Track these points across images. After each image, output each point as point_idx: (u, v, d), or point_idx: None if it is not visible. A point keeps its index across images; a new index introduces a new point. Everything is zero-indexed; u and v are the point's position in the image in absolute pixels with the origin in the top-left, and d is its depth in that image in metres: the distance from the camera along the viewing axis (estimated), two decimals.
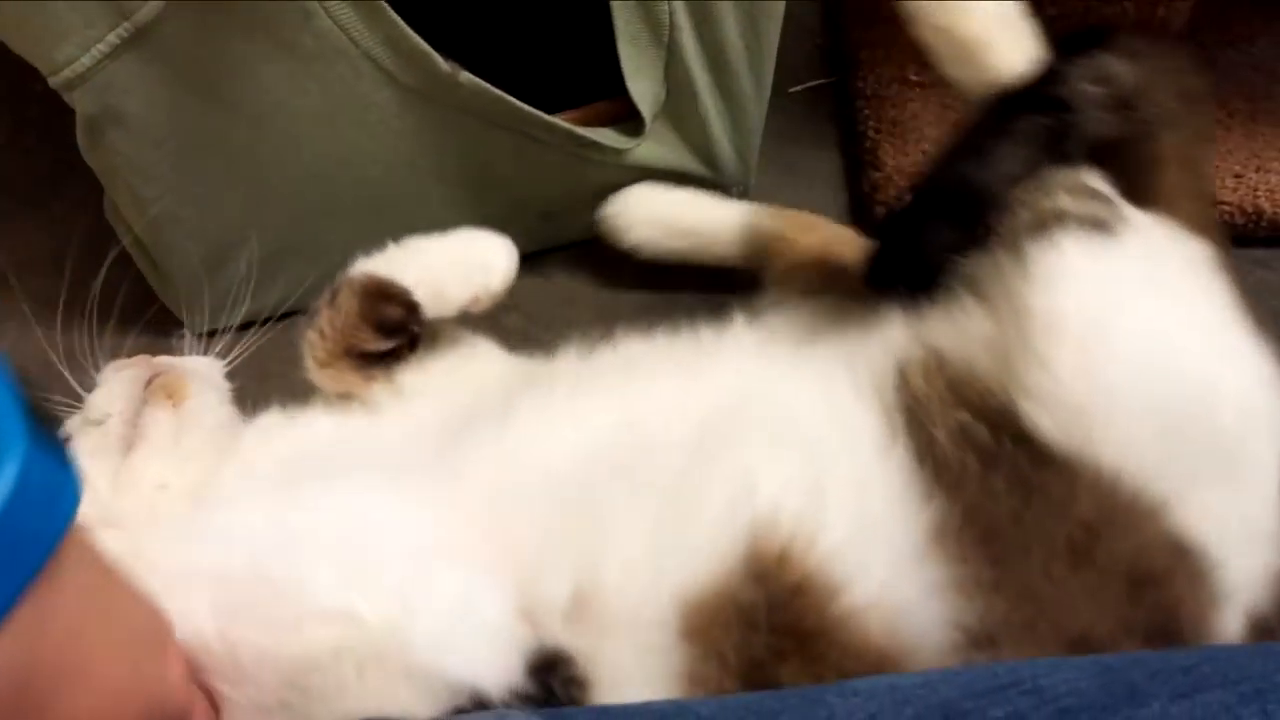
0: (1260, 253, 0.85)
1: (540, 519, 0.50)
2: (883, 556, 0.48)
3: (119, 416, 0.58)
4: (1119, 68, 0.60)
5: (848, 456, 0.51)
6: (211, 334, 0.85)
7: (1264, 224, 0.84)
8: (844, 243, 0.76)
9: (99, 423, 0.58)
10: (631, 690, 0.46)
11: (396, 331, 0.61)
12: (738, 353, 0.62)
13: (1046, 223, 0.55)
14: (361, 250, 0.64)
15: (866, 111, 0.94)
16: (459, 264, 0.64)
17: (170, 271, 0.82)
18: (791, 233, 0.77)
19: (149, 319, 0.87)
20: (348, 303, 0.61)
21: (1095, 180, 0.59)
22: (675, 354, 0.62)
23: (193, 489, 0.55)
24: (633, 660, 0.48)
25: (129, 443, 0.57)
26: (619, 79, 0.78)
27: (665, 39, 0.75)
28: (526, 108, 0.75)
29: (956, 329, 0.56)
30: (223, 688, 0.45)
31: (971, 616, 0.47)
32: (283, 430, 0.61)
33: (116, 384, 0.61)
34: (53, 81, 0.66)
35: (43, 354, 0.87)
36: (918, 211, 0.62)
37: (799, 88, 1.01)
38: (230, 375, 0.69)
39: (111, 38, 0.64)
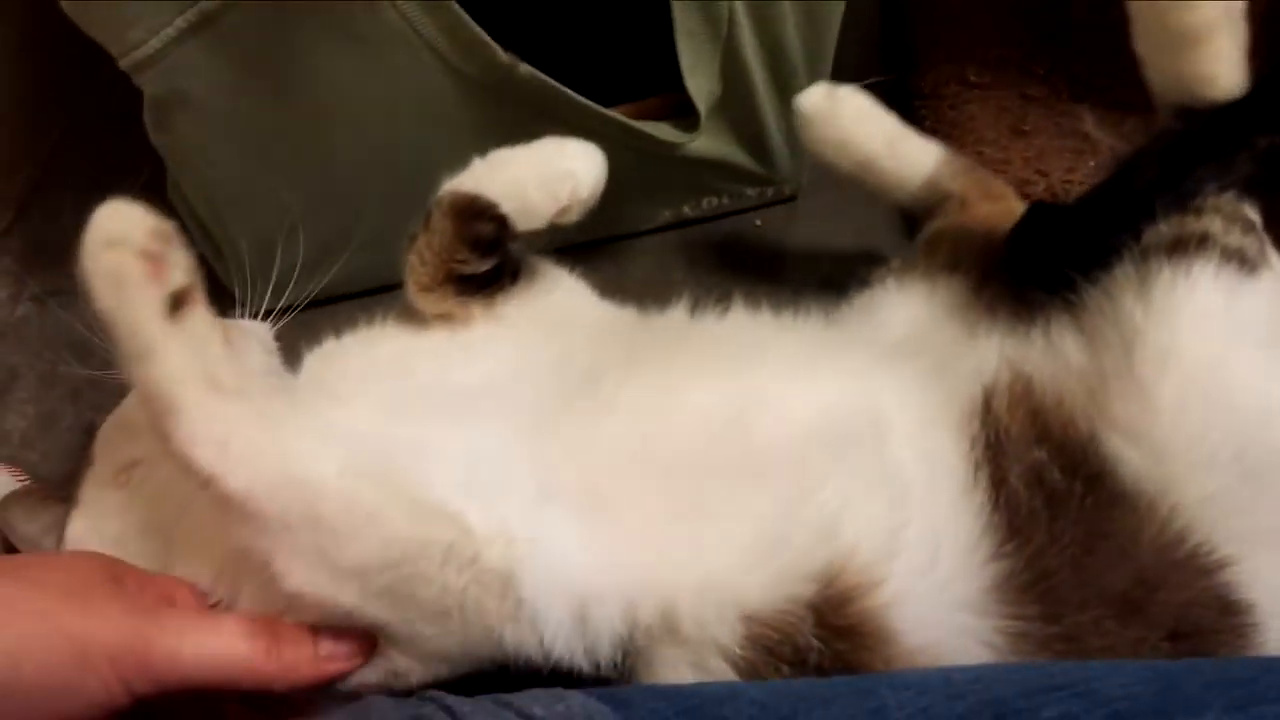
0: None
1: (640, 498, 0.50)
2: (943, 608, 0.47)
3: None
4: None
5: (930, 502, 0.50)
6: (267, 314, 0.88)
7: None
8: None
9: None
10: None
11: (492, 249, 0.61)
12: (849, 350, 0.60)
13: (1188, 245, 0.51)
14: (398, 232, 0.65)
15: (924, 111, 0.93)
16: (544, 173, 0.63)
17: (229, 252, 0.83)
18: (973, 197, 0.73)
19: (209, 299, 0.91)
20: (440, 223, 0.62)
21: (1252, 211, 0.54)
22: (786, 338, 0.61)
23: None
24: (685, 674, 0.48)
25: None
26: (674, 74, 0.78)
27: (723, 35, 0.75)
28: (583, 100, 0.75)
29: (1052, 352, 0.54)
30: (286, 557, 0.46)
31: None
32: (374, 345, 0.62)
33: None
34: (123, 63, 0.68)
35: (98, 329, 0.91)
36: (1095, 198, 0.59)
37: (859, 84, 1.01)
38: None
39: (180, 22, 0.65)
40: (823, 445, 0.51)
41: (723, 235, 0.92)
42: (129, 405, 0.63)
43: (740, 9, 0.74)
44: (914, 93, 0.95)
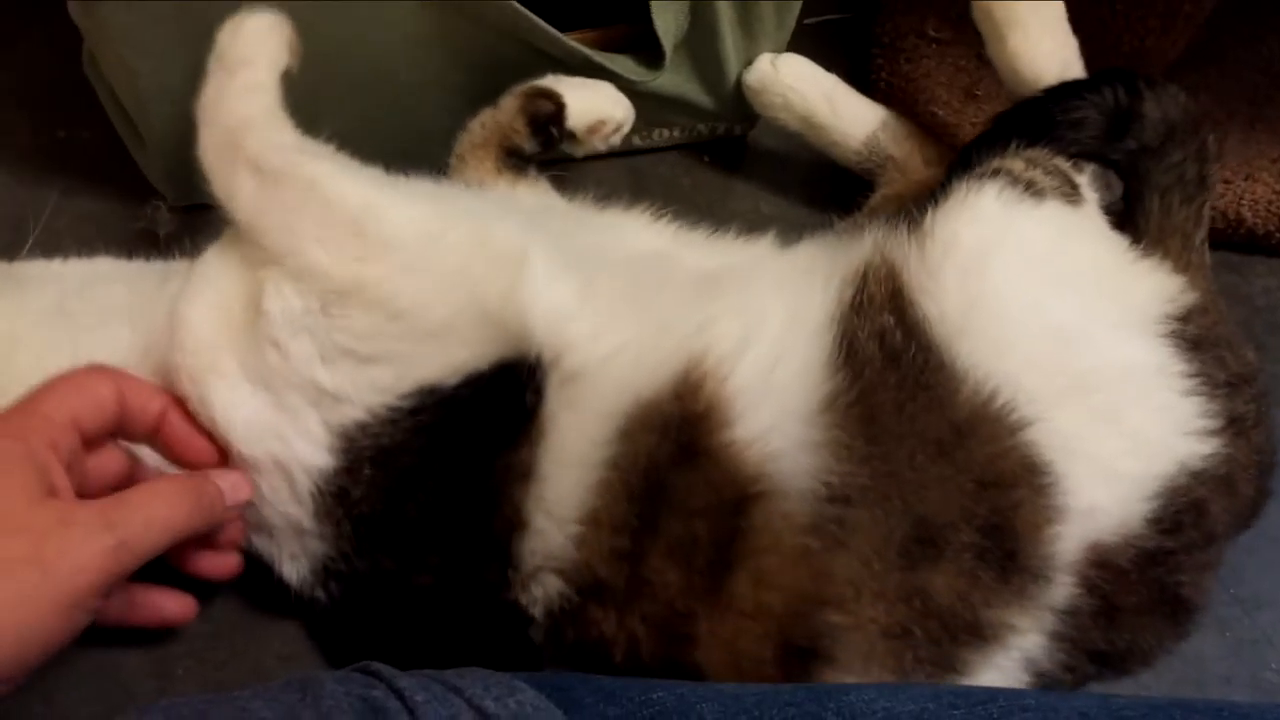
0: (1235, 258, 0.89)
1: (608, 279, 0.62)
2: (775, 407, 0.57)
3: None
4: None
5: (782, 329, 0.60)
6: (191, 208, 0.83)
7: (1243, 232, 0.86)
8: None
9: None
10: (564, 456, 0.57)
11: (544, 129, 0.74)
12: (762, 247, 0.72)
13: (986, 173, 0.63)
14: (352, 139, 0.63)
15: (880, 61, 0.92)
16: (599, 91, 0.77)
17: (154, 140, 0.78)
18: (912, 164, 0.81)
19: (124, 181, 0.85)
20: (508, 103, 0.74)
21: (1063, 163, 0.67)
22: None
23: None
24: (575, 422, 0.57)
25: None
26: (638, 4, 0.75)
27: None
28: (546, 26, 0.72)
29: (903, 245, 0.62)
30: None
31: (835, 477, 0.55)
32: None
33: None
34: None
35: (5, 201, 0.85)
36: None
37: (814, 19, 0.99)
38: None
39: None
40: (712, 283, 0.64)
41: (669, 167, 0.91)
42: None
43: None
44: (872, 40, 0.94)
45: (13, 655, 0.45)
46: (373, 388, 0.58)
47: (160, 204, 0.84)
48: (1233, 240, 0.87)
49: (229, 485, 0.57)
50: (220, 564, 0.61)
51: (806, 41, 0.96)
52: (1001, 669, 0.56)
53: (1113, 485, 0.57)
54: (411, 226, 0.59)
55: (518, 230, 0.61)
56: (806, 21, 0.97)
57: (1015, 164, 0.64)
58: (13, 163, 0.87)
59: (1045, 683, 0.57)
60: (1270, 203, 0.85)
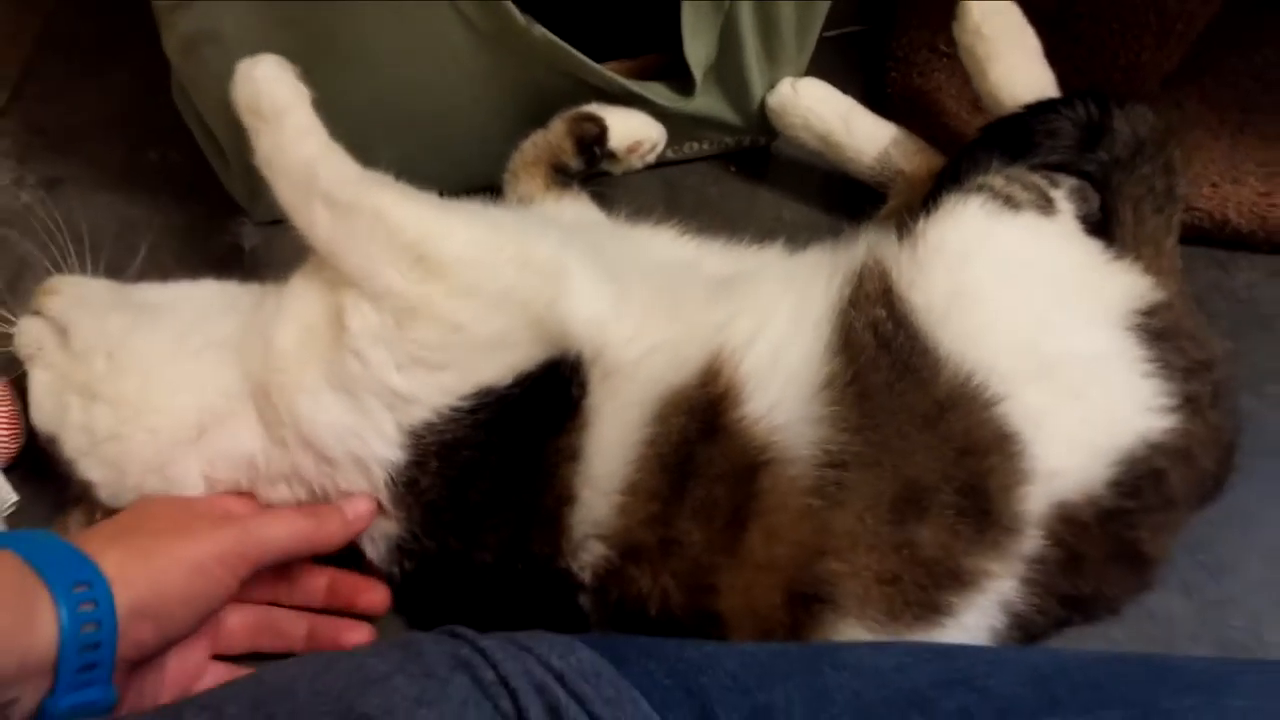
0: (1221, 254, 0.96)
1: (640, 286, 0.70)
2: (780, 386, 0.66)
3: None
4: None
5: (787, 323, 0.69)
6: (273, 223, 0.93)
7: (1228, 231, 0.93)
8: None
9: None
10: (607, 438, 0.65)
11: (588, 149, 0.84)
12: (773, 253, 0.82)
13: (972, 188, 0.72)
14: (412, 163, 0.71)
15: (894, 74, 0.99)
16: (637, 115, 0.86)
17: (239, 164, 0.88)
18: (920, 176, 0.88)
19: (211, 200, 0.94)
20: (557, 126, 0.84)
21: (1039, 178, 0.75)
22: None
23: None
24: (617, 409, 0.66)
25: None
26: (667, 35, 0.84)
27: (726, 7, 0.81)
28: (589, 61, 0.81)
29: (895, 248, 0.71)
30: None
31: (834, 445, 0.64)
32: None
33: None
34: (157, 3, 0.71)
35: (103, 218, 0.94)
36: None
37: (834, 32, 1.06)
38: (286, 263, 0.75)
39: None
40: (729, 286, 0.73)
41: (699, 177, 1.00)
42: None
43: None
44: (886, 54, 1.02)
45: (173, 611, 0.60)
46: (439, 390, 0.66)
47: (245, 220, 0.94)
48: (1219, 238, 0.94)
49: (351, 513, 0.67)
50: (357, 636, 0.72)
51: (826, 52, 1.03)
52: (980, 609, 0.64)
53: (1075, 452, 0.65)
54: (466, 250, 0.66)
55: (559, 246, 0.68)
56: (826, 34, 1.04)
57: (997, 180, 0.73)
58: (111, 183, 0.97)
59: (1020, 623, 0.65)
60: (1254, 204, 0.92)
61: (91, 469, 0.68)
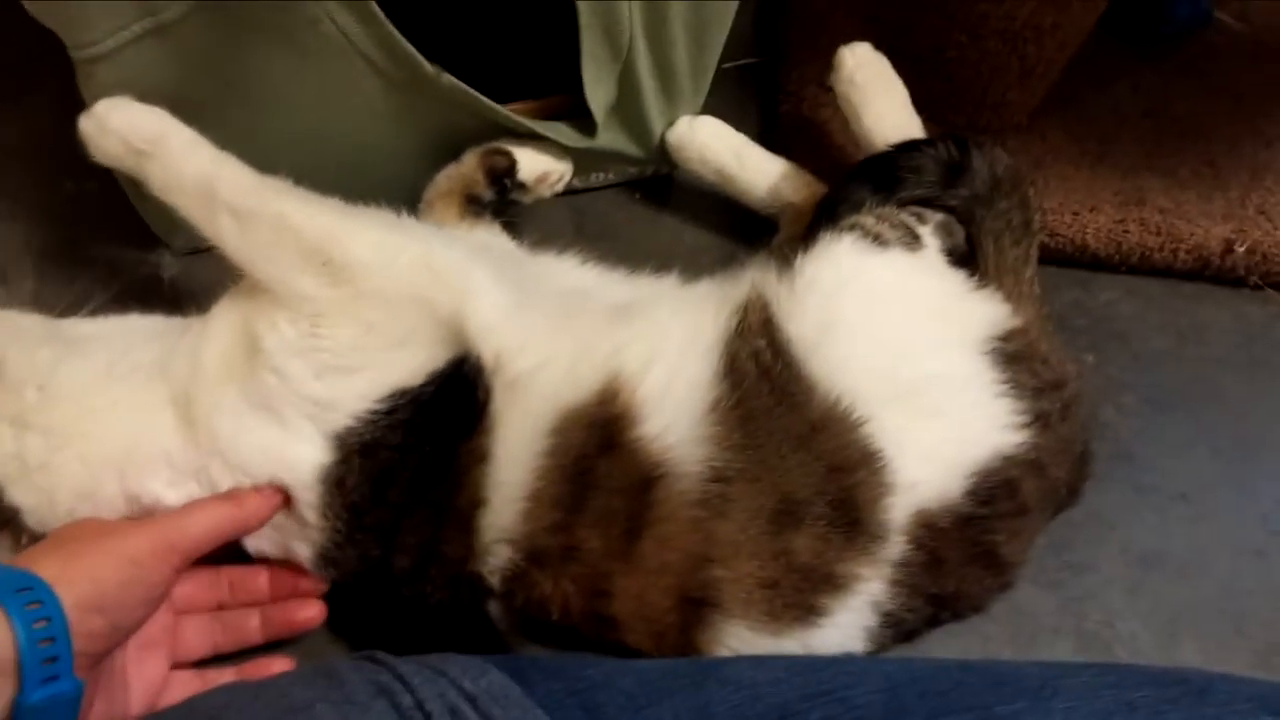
0: (1082, 274, 1.04)
1: (538, 304, 0.75)
2: (672, 410, 0.70)
3: None
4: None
5: (679, 351, 0.73)
6: (191, 253, 0.95)
7: (1088, 255, 1.01)
8: None
9: None
10: (511, 444, 0.70)
11: (499, 181, 0.90)
12: (667, 284, 0.86)
13: (844, 227, 0.78)
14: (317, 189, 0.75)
15: (785, 106, 1.06)
16: (545, 149, 0.93)
17: (152, 198, 0.90)
18: (806, 209, 0.93)
19: (129, 230, 0.95)
20: (469, 159, 0.90)
21: (906, 215, 0.82)
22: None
23: None
24: (520, 417, 0.70)
25: None
26: (574, 76, 0.89)
27: (622, 58, 0.86)
28: (494, 105, 0.86)
29: (775, 283, 0.76)
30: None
31: (719, 462, 0.69)
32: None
33: None
34: (75, 55, 0.74)
35: (20, 249, 0.96)
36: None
37: (731, 64, 1.12)
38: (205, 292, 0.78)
39: (137, 28, 0.72)
40: (626, 312, 0.77)
41: (605, 204, 1.05)
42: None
43: (640, 34, 0.86)
44: (777, 87, 1.08)
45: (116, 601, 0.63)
46: (356, 394, 0.70)
47: (164, 250, 0.96)
48: (1079, 261, 1.02)
49: (261, 495, 0.71)
50: (307, 613, 0.75)
51: (725, 83, 1.08)
52: (853, 610, 0.70)
53: (933, 466, 0.71)
54: (369, 251, 0.71)
55: (463, 254, 0.74)
56: (724, 65, 1.10)
57: (867, 220, 0.80)
58: (23, 215, 0.98)
59: (891, 621, 0.71)
60: (1110, 230, 1.01)
61: (22, 495, 0.71)
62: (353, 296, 0.70)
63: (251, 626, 0.75)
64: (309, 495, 0.71)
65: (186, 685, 0.72)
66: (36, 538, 0.71)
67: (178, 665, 0.73)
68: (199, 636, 0.74)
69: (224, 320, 0.73)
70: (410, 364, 0.71)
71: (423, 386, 0.71)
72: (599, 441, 0.70)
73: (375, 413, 0.70)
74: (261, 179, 0.73)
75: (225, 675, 0.74)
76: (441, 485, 0.70)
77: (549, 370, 0.72)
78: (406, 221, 0.78)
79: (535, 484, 0.69)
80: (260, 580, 0.76)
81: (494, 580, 0.71)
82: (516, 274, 0.79)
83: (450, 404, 0.71)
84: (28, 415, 0.71)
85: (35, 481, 0.70)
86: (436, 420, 0.71)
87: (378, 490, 0.70)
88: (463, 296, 0.71)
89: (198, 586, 0.72)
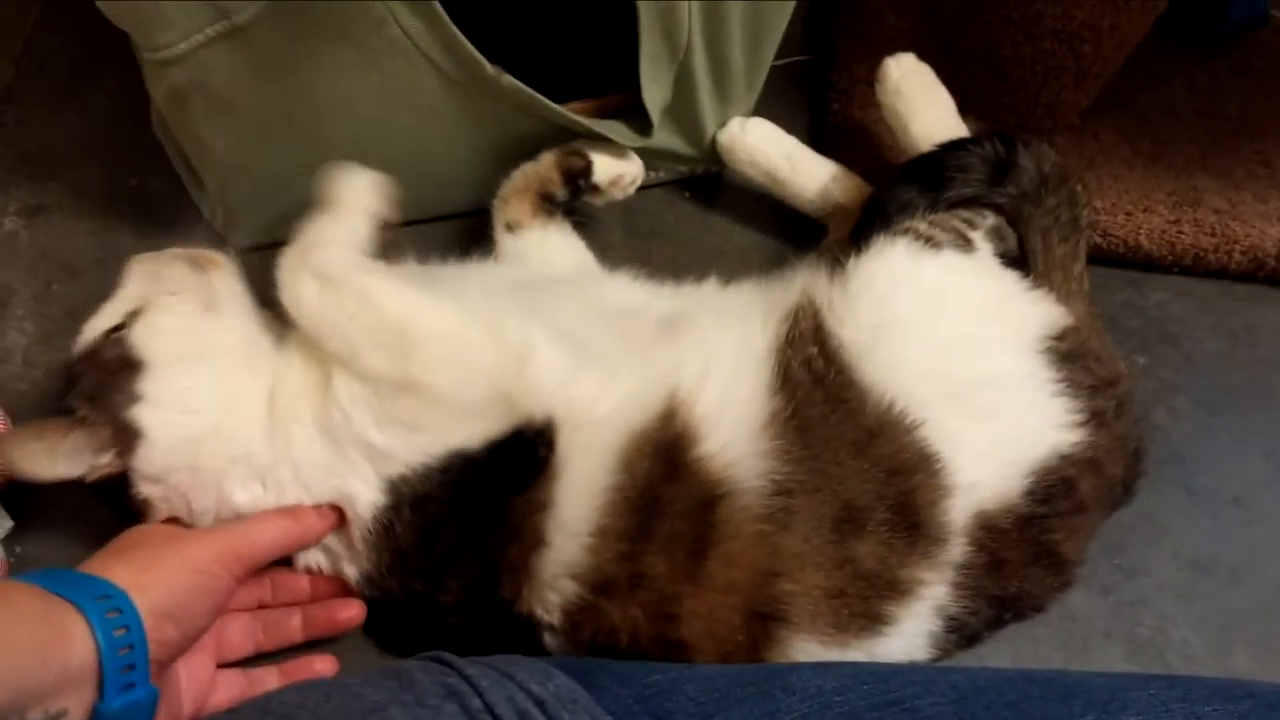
0: (1135, 275, 1.04)
1: (599, 340, 0.75)
2: (729, 426, 0.71)
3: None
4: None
5: (732, 363, 0.74)
6: (251, 249, 0.97)
7: (1141, 256, 1.01)
8: None
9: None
10: (578, 486, 0.69)
11: (574, 181, 0.91)
12: (709, 288, 0.87)
13: (898, 230, 0.79)
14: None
15: (835, 105, 1.06)
16: (620, 152, 0.94)
17: (215, 193, 0.92)
18: (856, 211, 0.92)
19: (189, 226, 0.97)
20: (546, 159, 0.91)
21: (958, 220, 0.82)
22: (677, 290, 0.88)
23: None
24: (586, 459, 0.70)
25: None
26: (631, 75, 0.89)
27: (680, 58, 0.87)
28: (552, 104, 0.86)
29: (826, 287, 0.77)
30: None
31: (779, 475, 0.69)
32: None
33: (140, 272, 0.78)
34: (148, 58, 0.75)
35: (85, 245, 0.97)
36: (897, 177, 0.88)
37: (782, 61, 1.11)
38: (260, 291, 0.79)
39: (210, 31, 0.73)
40: (674, 325, 0.78)
41: (656, 203, 1.05)
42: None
43: (697, 36, 0.86)
44: (828, 85, 1.08)
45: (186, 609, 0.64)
46: (414, 449, 0.71)
47: (225, 247, 0.98)
48: (1132, 262, 1.02)
49: (319, 514, 0.73)
50: (348, 612, 0.76)
51: (777, 80, 1.08)
52: (918, 616, 0.70)
53: (991, 466, 0.71)
54: (441, 331, 0.71)
55: (522, 320, 0.73)
56: (776, 63, 1.10)
57: (920, 224, 0.80)
58: (91, 210, 1.00)
59: (954, 625, 0.72)
60: (1164, 231, 1.00)
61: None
62: (421, 368, 0.70)
63: (293, 626, 0.77)
64: (360, 528, 0.72)
65: (233, 684, 0.73)
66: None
67: (221, 664, 0.74)
68: (242, 636, 0.76)
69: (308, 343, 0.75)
70: (471, 431, 0.71)
71: (479, 451, 0.71)
72: (664, 469, 0.70)
73: (430, 468, 0.71)
74: (360, 258, 0.75)
75: (270, 674, 0.75)
76: (491, 535, 0.71)
77: (619, 407, 0.72)
78: (470, 288, 0.78)
79: (601, 520, 0.69)
80: (302, 581, 0.77)
81: (553, 615, 0.71)
82: (572, 306, 0.80)
83: (506, 464, 0.71)
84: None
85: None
86: (491, 479, 0.71)
87: (425, 540, 0.71)
88: (529, 368, 0.71)
89: (241, 587, 0.73)
